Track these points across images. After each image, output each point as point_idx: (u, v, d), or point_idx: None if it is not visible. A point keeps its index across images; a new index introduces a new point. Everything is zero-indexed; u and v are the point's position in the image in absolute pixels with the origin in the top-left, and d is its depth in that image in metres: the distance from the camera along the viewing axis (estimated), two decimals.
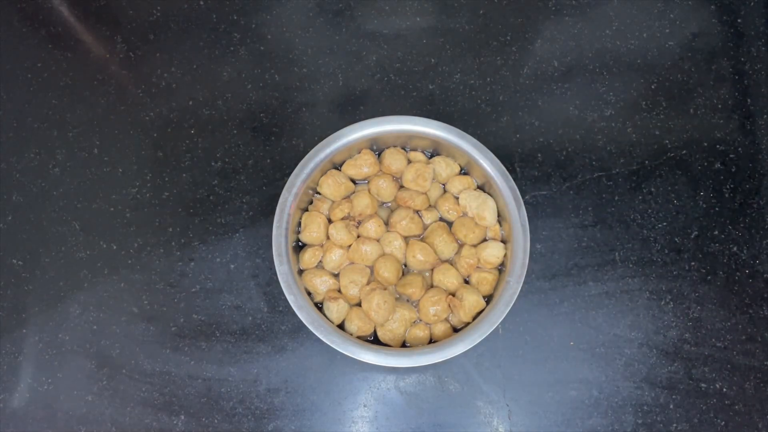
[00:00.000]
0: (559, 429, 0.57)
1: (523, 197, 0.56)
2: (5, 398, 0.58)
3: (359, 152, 0.59)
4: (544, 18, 0.70)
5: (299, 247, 0.58)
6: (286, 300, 0.53)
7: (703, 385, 0.58)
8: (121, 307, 0.60)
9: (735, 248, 0.62)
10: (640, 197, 0.64)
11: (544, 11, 0.70)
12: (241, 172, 0.64)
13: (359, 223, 0.58)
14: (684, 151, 0.65)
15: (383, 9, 0.70)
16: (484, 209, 0.57)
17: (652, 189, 0.64)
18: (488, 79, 0.68)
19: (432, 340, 0.55)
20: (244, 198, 0.63)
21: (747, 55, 0.69)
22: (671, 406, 0.58)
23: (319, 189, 0.59)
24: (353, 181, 0.60)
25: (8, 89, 0.67)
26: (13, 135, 0.65)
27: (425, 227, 0.58)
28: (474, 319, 0.54)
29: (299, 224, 0.58)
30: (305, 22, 0.70)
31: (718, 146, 0.65)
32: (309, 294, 0.56)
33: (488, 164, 0.57)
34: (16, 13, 0.69)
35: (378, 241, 0.57)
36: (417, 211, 0.58)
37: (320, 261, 0.57)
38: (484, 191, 0.59)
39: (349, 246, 0.57)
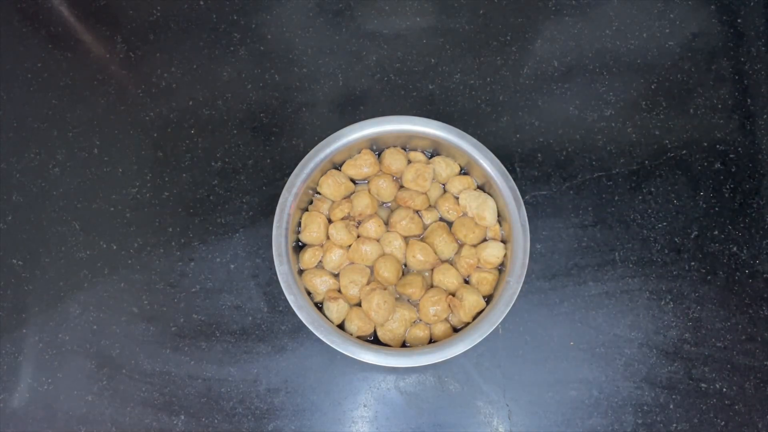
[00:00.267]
0: (559, 429, 0.57)
1: (523, 197, 0.56)
2: (5, 398, 0.58)
3: (359, 152, 0.59)
4: (544, 18, 0.70)
5: (299, 247, 0.58)
6: (286, 300, 0.53)
7: (703, 385, 0.58)
8: (121, 307, 0.60)
9: (735, 248, 0.62)
10: (640, 197, 0.64)
11: (544, 11, 0.70)
12: (241, 172, 0.64)
13: (359, 223, 0.58)
14: (684, 151, 0.65)
15: (383, 9, 0.70)
16: (484, 209, 0.57)
17: (652, 189, 0.64)
18: (488, 79, 0.68)
19: (432, 340, 0.55)
20: (244, 198, 0.63)
21: (747, 55, 0.69)
22: (671, 406, 0.58)
23: (319, 189, 0.59)
24: (353, 181, 0.60)
25: (8, 89, 0.67)
26: (13, 135, 0.65)
27: (425, 227, 0.58)
28: (474, 319, 0.54)
29: (299, 224, 0.58)
30: (305, 22, 0.70)
31: (718, 146, 0.65)
32: (309, 294, 0.56)
33: (488, 164, 0.57)
34: (16, 13, 0.69)
35: (378, 241, 0.57)
36: (417, 211, 0.58)
37: (320, 261, 0.57)
38: (484, 191, 0.59)
39: (349, 246, 0.57)
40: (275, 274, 0.54)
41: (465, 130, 0.57)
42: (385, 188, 0.58)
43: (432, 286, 0.56)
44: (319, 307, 0.56)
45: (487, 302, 0.55)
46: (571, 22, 0.70)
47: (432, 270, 0.57)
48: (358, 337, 0.55)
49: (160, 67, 0.68)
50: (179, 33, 0.69)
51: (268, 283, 0.61)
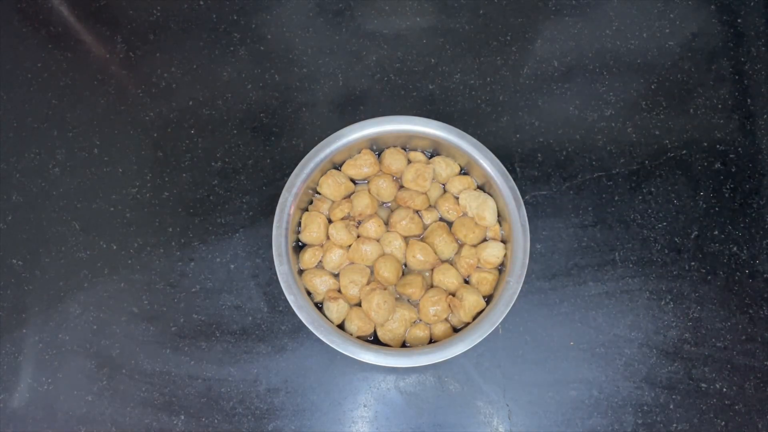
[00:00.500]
0: (559, 429, 0.57)
1: (523, 197, 0.56)
2: (5, 398, 0.58)
3: (359, 152, 0.59)
4: (544, 18, 0.70)
5: (299, 247, 0.58)
6: (286, 300, 0.53)
7: (703, 385, 0.58)
8: (121, 307, 0.60)
9: (735, 248, 0.62)
10: (640, 197, 0.64)
11: (544, 11, 0.70)
12: (241, 172, 0.64)
13: (359, 223, 0.58)
14: (684, 151, 0.65)
15: (383, 9, 0.70)
16: (484, 209, 0.57)
17: (652, 189, 0.64)
18: (488, 79, 0.68)
19: (432, 340, 0.55)
20: (244, 198, 0.63)
21: (747, 55, 0.69)
22: (671, 406, 0.58)
23: (319, 189, 0.59)
24: (353, 181, 0.60)
25: (8, 89, 0.67)
26: (13, 135, 0.65)
27: (425, 227, 0.58)
28: (474, 319, 0.54)
29: (299, 224, 0.58)
30: (305, 22, 0.70)
31: (718, 146, 0.65)
32: (309, 294, 0.56)
33: (488, 164, 0.57)
34: (16, 13, 0.69)
35: (378, 241, 0.57)
36: (417, 211, 0.58)
37: (320, 261, 0.57)
38: (484, 191, 0.59)
39: (349, 246, 0.57)
40: (275, 274, 0.54)
41: (465, 130, 0.57)
42: (385, 188, 0.58)
43: (432, 286, 0.56)
44: (319, 307, 0.56)
45: (487, 302, 0.55)
46: (571, 22, 0.70)
47: (432, 270, 0.57)
48: (358, 337, 0.55)
49: (160, 67, 0.68)
50: (179, 33, 0.69)
51: (268, 283, 0.61)
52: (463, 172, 0.60)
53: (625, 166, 0.65)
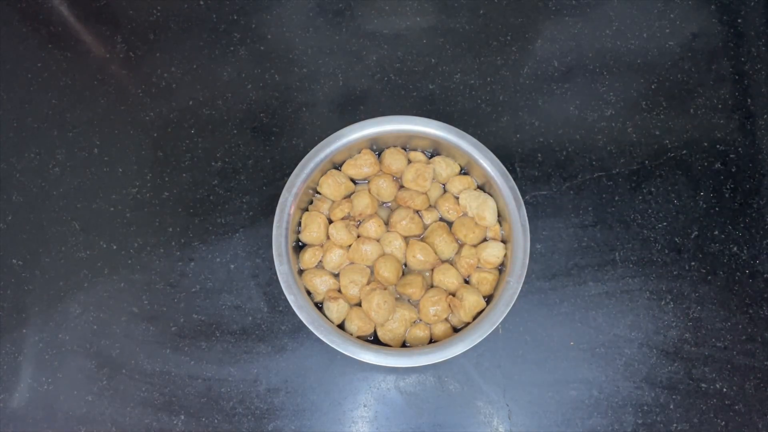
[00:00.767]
0: (559, 429, 0.57)
1: (523, 197, 0.56)
2: (5, 398, 0.58)
3: (359, 152, 0.59)
4: (544, 18, 0.70)
5: (299, 247, 0.58)
6: (286, 300, 0.53)
7: (703, 385, 0.58)
8: (121, 307, 0.60)
9: (735, 248, 0.62)
10: (640, 197, 0.64)
11: (544, 11, 0.70)
12: (241, 172, 0.64)
13: (359, 223, 0.58)
14: (684, 151, 0.65)
15: (383, 9, 0.70)
16: (484, 209, 0.57)
17: (652, 189, 0.64)
18: (488, 79, 0.68)
19: (432, 340, 0.55)
20: (244, 198, 0.63)
21: (747, 55, 0.69)
22: (671, 406, 0.58)
23: (319, 189, 0.59)
24: (353, 181, 0.60)
25: (8, 89, 0.67)
26: (13, 135, 0.65)
27: (425, 227, 0.58)
28: (474, 319, 0.54)
29: (299, 224, 0.58)
30: (305, 22, 0.70)
31: (718, 146, 0.65)
32: (309, 294, 0.56)
33: (488, 164, 0.57)
34: (16, 13, 0.69)
35: (378, 241, 0.57)
36: (417, 211, 0.58)
37: (320, 261, 0.57)
38: (484, 191, 0.59)
39: (349, 246, 0.57)
40: (275, 274, 0.54)
41: (465, 130, 0.57)
42: (385, 188, 0.58)
43: (432, 286, 0.56)
44: (319, 307, 0.56)
45: (487, 302, 0.55)
46: (571, 22, 0.70)
47: (432, 270, 0.57)
48: (358, 337, 0.55)
49: (160, 67, 0.68)
50: (179, 33, 0.69)
51: (268, 283, 0.61)
52: (463, 172, 0.60)
53: (626, 166, 0.65)
